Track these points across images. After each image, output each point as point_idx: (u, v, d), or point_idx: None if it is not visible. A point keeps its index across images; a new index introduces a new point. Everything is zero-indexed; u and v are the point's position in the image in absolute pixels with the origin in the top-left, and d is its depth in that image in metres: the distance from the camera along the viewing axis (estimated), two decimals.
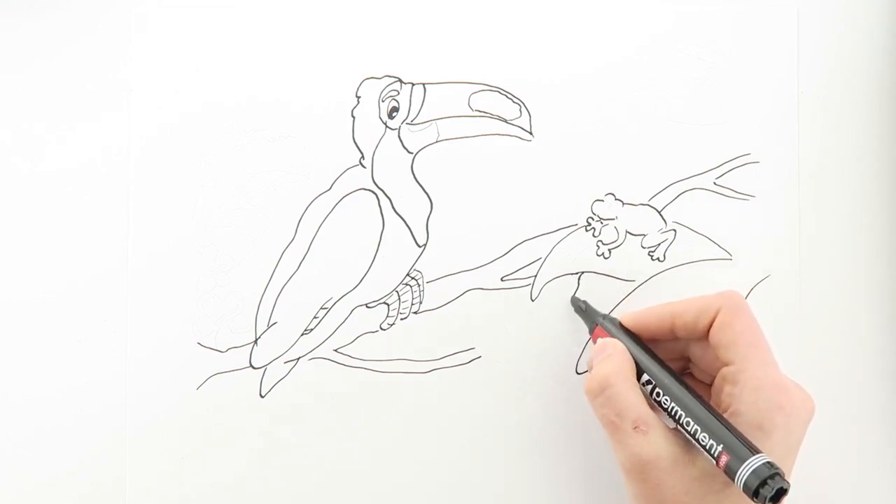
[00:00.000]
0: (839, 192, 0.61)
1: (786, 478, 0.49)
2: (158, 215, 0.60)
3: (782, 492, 0.48)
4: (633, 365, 0.54)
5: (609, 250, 0.60)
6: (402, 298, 0.60)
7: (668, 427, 0.53)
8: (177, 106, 0.60)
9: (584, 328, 0.59)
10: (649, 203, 0.60)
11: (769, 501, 0.48)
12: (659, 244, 0.61)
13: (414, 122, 0.60)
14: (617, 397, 0.52)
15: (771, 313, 0.60)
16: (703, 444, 0.51)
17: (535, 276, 0.60)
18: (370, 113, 0.60)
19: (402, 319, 0.60)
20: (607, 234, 0.60)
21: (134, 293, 0.60)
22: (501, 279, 0.60)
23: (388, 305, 0.60)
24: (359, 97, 0.60)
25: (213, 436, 0.59)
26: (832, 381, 0.60)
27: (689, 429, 0.52)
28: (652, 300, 0.60)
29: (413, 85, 0.60)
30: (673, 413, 0.52)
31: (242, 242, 0.60)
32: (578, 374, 0.60)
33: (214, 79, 0.60)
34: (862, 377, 0.61)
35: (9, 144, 0.60)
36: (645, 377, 0.54)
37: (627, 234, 0.60)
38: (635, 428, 0.52)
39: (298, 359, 0.60)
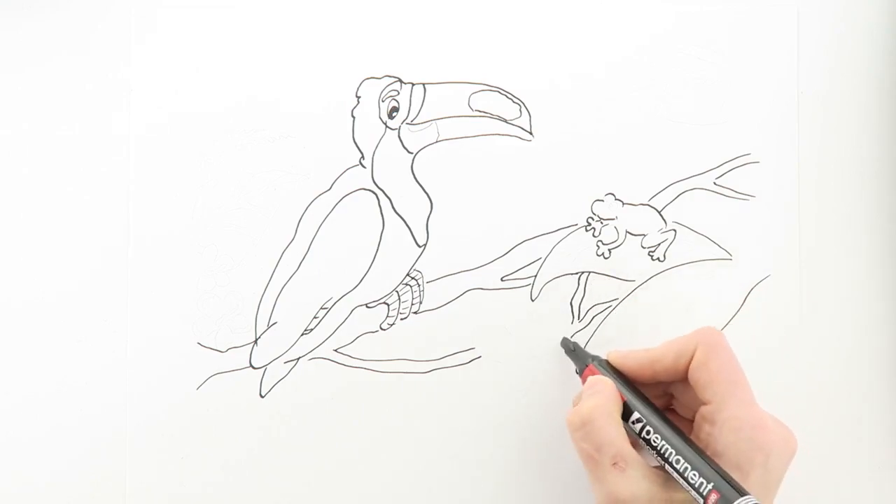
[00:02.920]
0: (839, 192, 0.61)
1: None
2: (158, 215, 0.60)
3: None
4: (620, 403, 0.54)
5: (609, 250, 0.60)
6: (402, 298, 0.60)
7: (649, 465, 0.53)
8: (177, 106, 0.60)
9: (586, 328, 0.59)
10: (649, 203, 0.60)
11: None
12: (659, 244, 0.60)
13: (414, 122, 0.60)
14: (597, 432, 0.52)
15: (771, 313, 0.60)
16: (692, 482, 0.51)
17: (535, 276, 0.60)
18: (370, 113, 0.60)
19: (402, 319, 0.60)
20: (607, 234, 0.60)
21: (134, 293, 0.60)
22: (501, 279, 0.60)
23: (388, 305, 0.60)
24: (359, 97, 0.60)
25: (213, 436, 0.59)
26: (832, 380, 0.60)
27: (678, 467, 0.51)
28: (652, 300, 0.60)
29: (413, 85, 0.60)
30: (662, 451, 0.52)
31: (242, 242, 0.60)
32: (578, 374, 0.60)
33: (214, 79, 0.60)
34: (862, 377, 0.61)
35: (9, 144, 0.60)
36: (635, 415, 0.54)
37: (627, 234, 0.60)
38: (614, 464, 0.52)
39: (298, 359, 0.60)
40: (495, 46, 0.60)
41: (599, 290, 0.60)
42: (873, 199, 0.61)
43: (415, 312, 0.60)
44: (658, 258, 0.60)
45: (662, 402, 0.57)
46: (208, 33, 0.60)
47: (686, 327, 0.57)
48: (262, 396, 0.60)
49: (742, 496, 0.49)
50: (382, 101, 0.60)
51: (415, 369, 0.60)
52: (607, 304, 0.60)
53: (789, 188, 0.61)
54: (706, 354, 0.53)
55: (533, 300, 0.60)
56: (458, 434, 0.60)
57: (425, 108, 0.60)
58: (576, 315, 0.60)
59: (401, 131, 0.60)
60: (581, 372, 0.57)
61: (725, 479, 0.50)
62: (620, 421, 0.53)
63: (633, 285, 0.60)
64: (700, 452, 0.52)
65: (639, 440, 0.54)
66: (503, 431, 0.60)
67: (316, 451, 0.59)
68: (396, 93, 0.60)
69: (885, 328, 0.61)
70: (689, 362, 0.54)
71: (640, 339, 0.59)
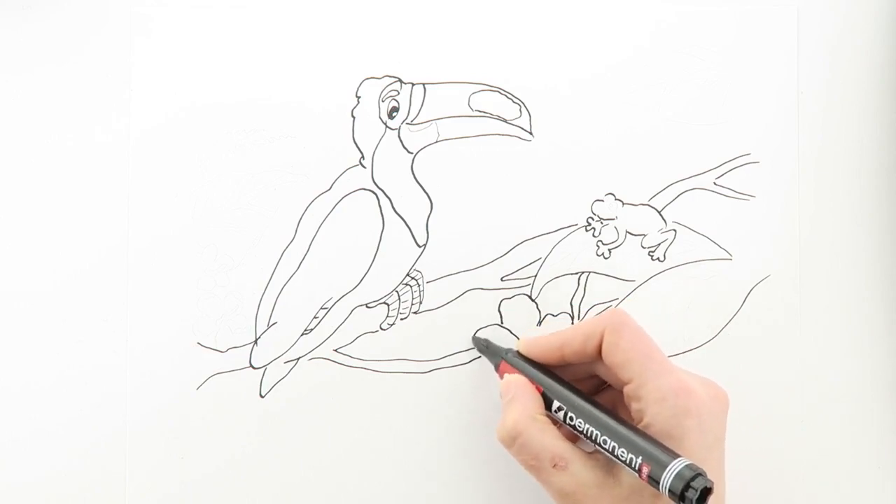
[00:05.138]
0: (839, 192, 0.61)
1: (710, 477, 0.49)
2: (158, 215, 0.60)
3: (707, 491, 0.48)
4: (540, 401, 0.54)
5: (609, 250, 0.60)
6: (402, 298, 0.60)
7: (587, 452, 0.53)
8: (177, 106, 0.60)
9: None
10: (649, 203, 0.60)
11: (697, 503, 0.48)
12: (659, 244, 0.61)
13: (414, 122, 0.60)
14: (529, 443, 0.52)
15: (771, 313, 0.60)
16: (623, 458, 0.51)
17: (535, 276, 0.60)
18: (370, 113, 0.60)
19: (402, 319, 0.60)
20: (607, 234, 0.60)
21: (134, 293, 0.60)
22: (501, 279, 0.60)
23: (388, 305, 0.60)
24: (359, 97, 0.60)
25: (213, 436, 0.59)
26: (832, 381, 0.60)
27: (606, 447, 0.52)
28: (652, 300, 0.60)
29: (413, 85, 0.60)
30: (589, 434, 0.52)
31: (242, 242, 0.60)
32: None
33: (214, 79, 0.60)
34: (862, 377, 0.61)
35: (9, 144, 0.60)
36: (556, 404, 0.54)
37: (627, 234, 0.60)
38: (554, 466, 0.52)
39: (298, 359, 0.60)
40: (495, 46, 0.60)
41: (599, 290, 0.60)
42: (873, 198, 0.61)
43: (415, 312, 0.60)
44: (658, 258, 0.60)
45: (594, 382, 0.57)
46: (208, 33, 0.60)
47: (686, 327, 0.57)
48: (262, 396, 0.60)
49: (673, 459, 0.49)
50: (382, 101, 0.60)
51: (415, 369, 0.60)
52: (607, 305, 0.60)
53: (789, 188, 0.61)
54: (614, 336, 0.53)
55: (533, 300, 0.60)
56: (458, 434, 0.60)
57: (425, 108, 0.60)
58: (576, 315, 0.60)
59: (401, 131, 0.60)
60: (497, 368, 0.57)
61: (656, 448, 0.50)
62: (547, 421, 0.54)
63: (633, 285, 0.60)
64: (628, 427, 0.51)
65: (567, 427, 0.54)
66: None
67: (316, 451, 0.59)
68: (396, 93, 0.60)
69: (885, 328, 0.61)
70: (599, 344, 0.54)
71: None
